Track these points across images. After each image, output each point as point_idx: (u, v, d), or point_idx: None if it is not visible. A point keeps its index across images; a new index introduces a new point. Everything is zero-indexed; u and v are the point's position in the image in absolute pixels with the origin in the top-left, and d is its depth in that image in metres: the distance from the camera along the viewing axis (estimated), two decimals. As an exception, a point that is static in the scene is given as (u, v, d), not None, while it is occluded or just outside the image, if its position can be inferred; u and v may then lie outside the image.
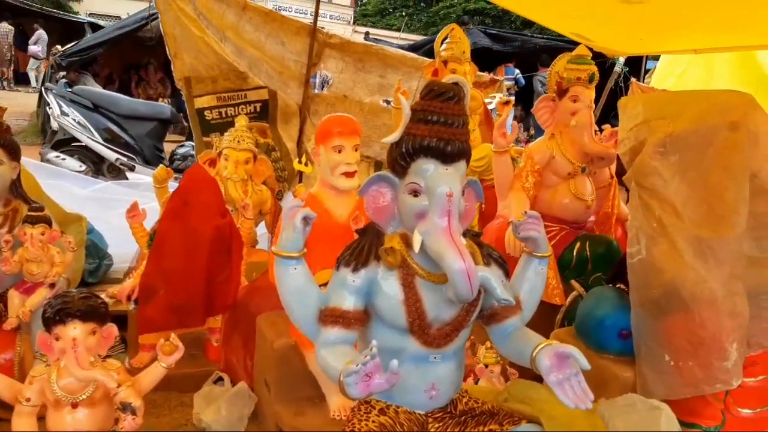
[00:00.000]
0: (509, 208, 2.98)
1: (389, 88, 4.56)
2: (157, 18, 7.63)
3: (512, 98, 4.17)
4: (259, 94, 4.09)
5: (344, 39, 4.38)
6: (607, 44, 4.42)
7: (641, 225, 2.08)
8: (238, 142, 3.52)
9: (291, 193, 3.86)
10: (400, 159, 1.68)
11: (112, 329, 1.93)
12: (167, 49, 3.90)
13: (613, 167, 3.18)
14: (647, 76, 13.01)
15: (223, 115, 4.06)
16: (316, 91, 4.51)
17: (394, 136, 1.69)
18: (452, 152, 1.65)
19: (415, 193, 1.64)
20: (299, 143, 4.38)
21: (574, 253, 2.88)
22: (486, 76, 4.97)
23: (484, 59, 8.00)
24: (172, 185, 3.51)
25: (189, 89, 3.96)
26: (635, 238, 2.10)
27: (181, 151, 5.86)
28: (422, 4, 38.74)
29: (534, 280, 1.87)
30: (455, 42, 3.83)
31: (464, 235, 1.70)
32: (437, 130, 1.63)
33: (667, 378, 2.05)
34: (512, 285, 1.86)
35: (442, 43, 3.87)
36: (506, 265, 1.81)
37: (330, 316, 1.65)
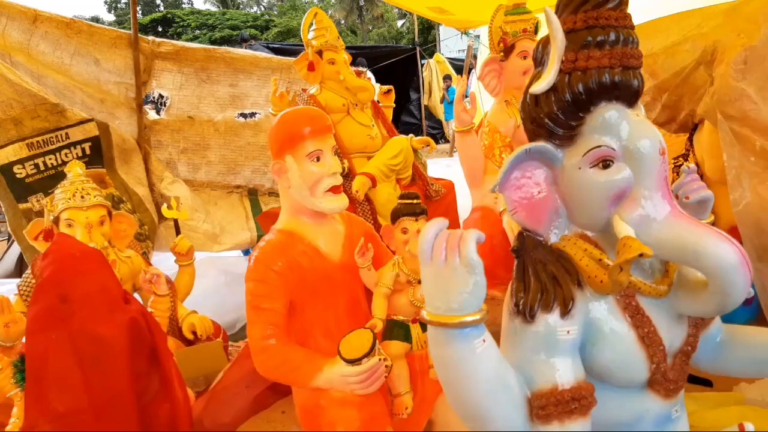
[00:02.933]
0: (491, 195, 2.42)
1: (243, 99, 3.70)
2: None
3: (392, 87, 3.62)
4: (85, 130, 2.95)
5: (178, 46, 3.42)
6: (468, 15, 4.11)
7: (741, 163, 1.67)
8: (82, 197, 2.49)
9: (171, 251, 2.84)
10: (567, 115, 1.02)
11: None
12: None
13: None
14: (424, 69, 13.62)
15: (42, 168, 2.84)
16: (152, 116, 3.48)
17: (545, 81, 1.03)
18: (639, 88, 1.05)
19: (606, 163, 1.00)
20: (151, 186, 3.31)
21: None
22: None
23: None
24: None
25: (-20, 141, 2.70)
26: (736, 180, 1.68)
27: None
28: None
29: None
30: (325, 27, 3.19)
31: None
32: (621, 54, 1.01)
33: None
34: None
35: (309, 31, 3.19)
36: None
37: (556, 405, 0.93)
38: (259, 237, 3.66)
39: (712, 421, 1.59)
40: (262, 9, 45.11)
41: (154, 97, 3.44)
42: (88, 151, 3.00)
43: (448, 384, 0.91)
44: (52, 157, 2.88)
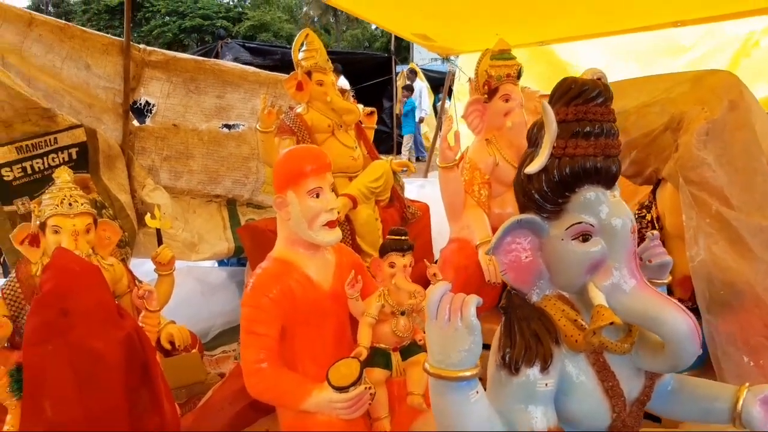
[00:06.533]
0: (468, 228, 2.58)
1: (229, 111, 3.79)
2: None
3: (375, 109, 3.75)
4: (73, 135, 2.99)
5: (169, 55, 3.48)
6: (450, 43, 4.28)
7: (698, 224, 1.87)
8: (70, 204, 2.54)
9: (151, 259, 2.91)
10: (555, 193, 1.18)
11: None
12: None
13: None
14: (398, 78, 13.77)
15: (29, 171, 2.87)
16: (137, 123, 3.53)
17: (539, 163, 1.18)
18: (617, 173, 1.22)
19: (585, 237, 1.16)
20: (132, 192, 3.37)
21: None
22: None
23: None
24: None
25: (-31, 142, 2.72)
26: (693, 239, 1.88)
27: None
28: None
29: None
30: (315, 49, 3.31)
31: None
32: (604, 145, 1.18)
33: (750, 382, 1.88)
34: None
35: (299, 51, 3.30)
36: None
37: (533, 450, 1.07)
38: (237, 248, 3.75)
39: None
40: (236, 0, 44.65)
41: (141, 104, 3.49)
42: (74, 156, 3.04)
43: (444, 428, 1.05)
44: (40, 161, 2.91)
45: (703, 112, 1.88)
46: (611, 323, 1.08)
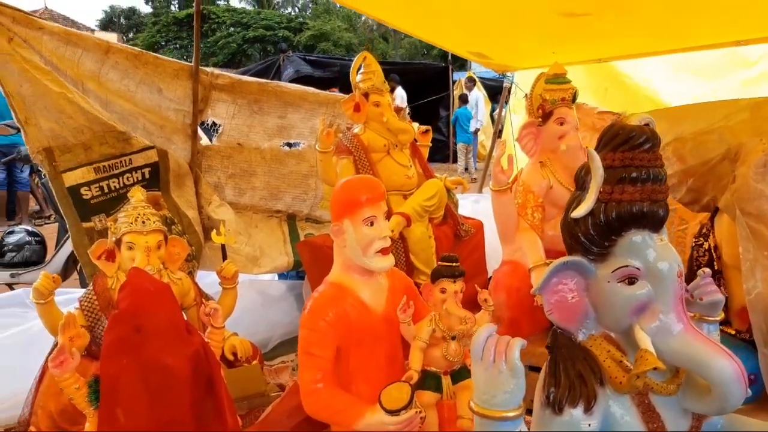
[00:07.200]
0: (521, 251, 2.61)
1: (290, 130, 3.94)
2: None
3: (429, 127, 3.80)
4: (146, 156, 3.20)
5: (234, 78, 3.66)
6: (507, 61, 4.31)
7: (755, 256, 1.84)
8: (143, 222, 2.70)
9: (216, 273, 3.06)
10: (601, 237, 1.21)
11: None
12: (14, 115, 2.85)
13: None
14: (455, 86, 13.74)
15: (105, 190, 3.09)
16: (204, 142, 3.73)
17: (585, 208, 1.22)
18: (663, 218, 1.24)
19: (631, 280, 1.19)
20: (199, 208, 3.55)
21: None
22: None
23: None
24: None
25: (53, 163, 2.94)
26: (750, 271, 1.86)
27: (12, 239, 4.46)
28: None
29: (717, 352, 1.52)
30: (372, 71, 3.39)
31: None
32: (650, 190, 1.20)
33: (810, 420, 1.83)
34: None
35: (357, 73, 3.40)
36: None
37: (575, 487, 1.11)
38: (296, 262, 3.89)
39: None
40: (296, 11, 45.61)
41: (208, 125, 3.68)
42: (147, 176, 3.24)
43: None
44: (116, 180, 3.13)
45: (761, 144, 1.86)
46: (655, 368, 1.10)
